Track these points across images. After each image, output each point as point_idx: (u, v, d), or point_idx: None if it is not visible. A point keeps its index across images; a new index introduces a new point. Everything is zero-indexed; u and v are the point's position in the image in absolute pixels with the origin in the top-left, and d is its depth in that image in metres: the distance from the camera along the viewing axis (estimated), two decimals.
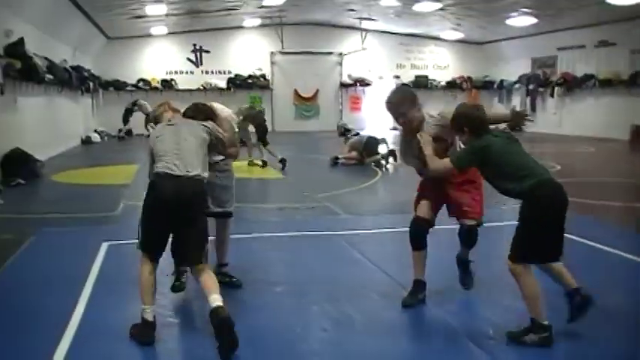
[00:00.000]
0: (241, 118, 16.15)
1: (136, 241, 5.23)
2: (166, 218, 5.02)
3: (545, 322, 4.80)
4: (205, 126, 5.45)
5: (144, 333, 4.95)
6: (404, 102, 5.68)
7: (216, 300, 4.86)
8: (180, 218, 5.03)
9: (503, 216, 9.92)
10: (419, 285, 5.85)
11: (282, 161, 16.08)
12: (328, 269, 6.94)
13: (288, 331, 5.25)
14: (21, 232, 8.51)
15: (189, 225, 5.08)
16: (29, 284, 6.41)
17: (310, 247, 8.07)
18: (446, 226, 6.42)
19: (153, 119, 6.12)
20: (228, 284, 6.18)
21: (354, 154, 17.04)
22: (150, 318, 4.97)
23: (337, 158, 17.02)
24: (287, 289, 6.26)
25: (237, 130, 6.38)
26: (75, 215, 9.82)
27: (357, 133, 22.32)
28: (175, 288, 6.09)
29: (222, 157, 6.11)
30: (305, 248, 8.03)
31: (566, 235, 4.97)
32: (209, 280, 5.09)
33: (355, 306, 5.78)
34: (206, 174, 5.25)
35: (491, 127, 5.23)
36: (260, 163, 16.44)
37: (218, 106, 6.16)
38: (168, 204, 4.97)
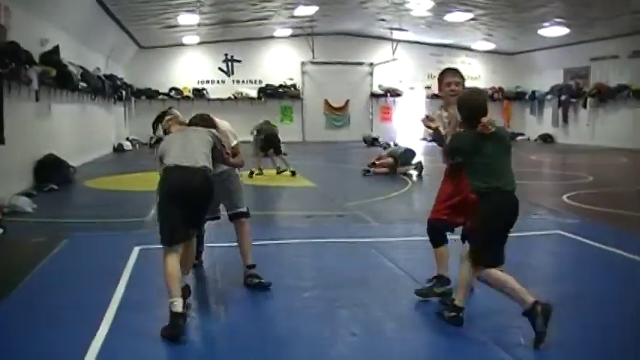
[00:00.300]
0: (256, 132, 16.93)
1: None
2: (182, 204, 5.30)
3: (460, 304, 5.33)
4: (210, 131, 5.85)
5: (175, 325, 5.00)
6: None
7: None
8: (194, 202, 5.40)
9: (533, 225, 9.87)
10: (437, 278, 5.97)
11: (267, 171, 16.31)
12: (357, 275, 6.92)
13: (317, 335, 5.25)
14: (54, 236, 8.61)
15: (201, 209, 5.56)
16: (62, 285, 6.50)
17: (339, 254, 8.06)
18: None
19: (162, 131, 6.28)
20: (257, 286, 6.31)
21: (390, 160, 16.99)
22: (179, 309, 5.07)
23: (368, 171, 16.91)
24: (316, 294, 6.25)
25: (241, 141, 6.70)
26: (107, 220, 9.92)
27: (389, 144, 22.38)
28: None
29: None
30: (334, 255, 8.02)
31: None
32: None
33: (384, 311, 5.77)
34: (211, 168, 5.58)
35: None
36: (289, 172, 16.47)
37: (218, 120, 6.52)
38: (182, 191, 5.29)
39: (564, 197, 12.53)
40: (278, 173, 16.54)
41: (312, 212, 11.02)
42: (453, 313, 5.32)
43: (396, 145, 21.72)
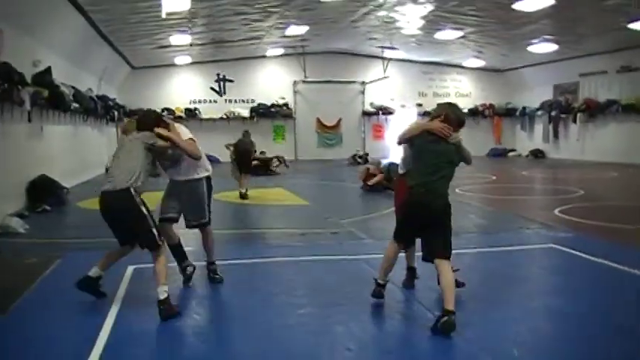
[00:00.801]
0: (232, 148, 16.49)
1: None
2: (111, 224, 6.52)
3: (381, 281, 6.26)
4: (144, 134, 6.51)
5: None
6: None
7: None
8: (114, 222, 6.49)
9: (526, 238, 9.93)
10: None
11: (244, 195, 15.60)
12: (352, 291, 6.93)
13: (313, 351, 5.27)
14: (47, 257, 8.62)
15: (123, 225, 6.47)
16: (57, 304, 6.50)
17: (334, 271, 8.07)
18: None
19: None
20: (215, 280, 7.25)
21: (380, 176, 17.00)
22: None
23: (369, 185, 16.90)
24: (311, 311, 6.27)
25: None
26: (100, 240, 9.87)
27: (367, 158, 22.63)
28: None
29: (200, 176, 7.11)
30: (328, 271, 8.02)
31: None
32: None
33: (379, 327, 5.80)
34: (138, 182, 6.24)
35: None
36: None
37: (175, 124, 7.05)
38: (104, 214, 6.46)
39: (556, 211, 12.59)
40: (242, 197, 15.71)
41: (306, 230, 11.03)
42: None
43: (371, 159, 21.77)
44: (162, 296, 5.97)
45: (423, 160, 6.11)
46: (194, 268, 7.27)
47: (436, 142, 6.03)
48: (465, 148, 6.23)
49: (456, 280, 6.02)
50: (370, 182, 16.84)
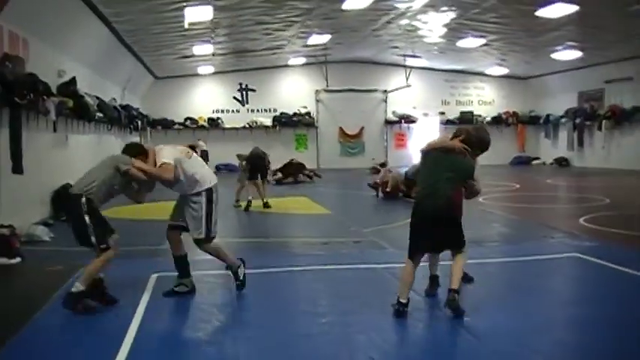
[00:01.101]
0: (245, 162, 16.32)
1: None
2: None
3: (403, 300, 6.21)
4: (118, 157, 7.22)
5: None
6: None
7: None
8: None
9: (551, 247, 9.86)
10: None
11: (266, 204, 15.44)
12: (374, 300, 6.91)
13: None
14: (71, 264, 8.65)
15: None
16: (81, 312, 6.52)
17: (356, 279, 8.06)
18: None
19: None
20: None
21: (391, 176, 17.19)
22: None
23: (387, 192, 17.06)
24: (333, 320, 6.25)
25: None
26: (123, 248, 9.91)
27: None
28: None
29: (195, 190, 7.14)
30: (351, 280, 8.01)
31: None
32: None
33: (402, 336, 5.77)
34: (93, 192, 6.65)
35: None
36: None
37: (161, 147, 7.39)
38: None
39: (581, 220, 12.48)
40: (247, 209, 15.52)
41: (329, 239, 11.02)
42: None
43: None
44: (75, 289, 6.38)
45: (427, 168, 6.69)
46: (187, 290, 7.19)
47: (445, 153, 6.54)
48: (476, 179, 6.65)
49: (465, 274, 6.85)
50: (388, 188, 16.95)
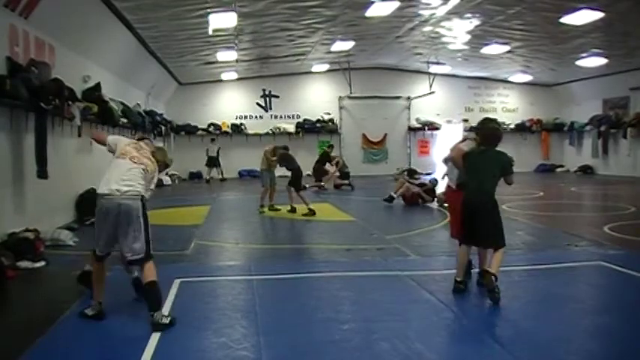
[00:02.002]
0: (274, 158, 16.34)
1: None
2: None
3: (458, 279, 7.42)
4: None
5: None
6: None
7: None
8: None
9: (575, 255, 9.78)
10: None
11: (310, 210, 15.30)
12: (397, 308, 6.89)
13: None
14: None
15: None
16: (107, 315, 6.55)
17: (379, 287, 8.03)
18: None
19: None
20: None
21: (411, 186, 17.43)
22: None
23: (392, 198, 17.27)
24: (356, 327, 6.22)
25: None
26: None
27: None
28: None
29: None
30: (373, 287, 7.98)
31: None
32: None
33: (425, 344, 5.72)
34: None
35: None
36: (282, 208, 16.01)
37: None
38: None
39: (606, 228, 12.37)
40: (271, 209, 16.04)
41: (352, 245, 10.99)
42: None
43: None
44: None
45: (471, 171, 7.57)
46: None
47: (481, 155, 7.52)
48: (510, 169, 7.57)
49: (470, 262, 7.84)
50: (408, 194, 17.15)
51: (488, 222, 7.25)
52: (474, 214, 7.30)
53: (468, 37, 22.72)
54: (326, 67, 30.63)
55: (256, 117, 32.25)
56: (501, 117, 33.72)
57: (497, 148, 7.47)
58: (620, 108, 29.59)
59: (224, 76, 30.09)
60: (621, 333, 5.98)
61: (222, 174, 28.71)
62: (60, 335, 6.02)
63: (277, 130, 31.65)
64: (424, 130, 33.53)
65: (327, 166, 24.25)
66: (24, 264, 9.12)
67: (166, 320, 6.14)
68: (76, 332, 6.12)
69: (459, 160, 7.78)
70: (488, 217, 7.26)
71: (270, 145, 17.12)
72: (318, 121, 32.32)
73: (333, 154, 25.05)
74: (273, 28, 20.39)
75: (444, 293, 7.40)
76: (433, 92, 31.49)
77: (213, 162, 28.74)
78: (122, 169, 6.71)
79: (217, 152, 28.93)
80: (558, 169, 33.85)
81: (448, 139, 32.01)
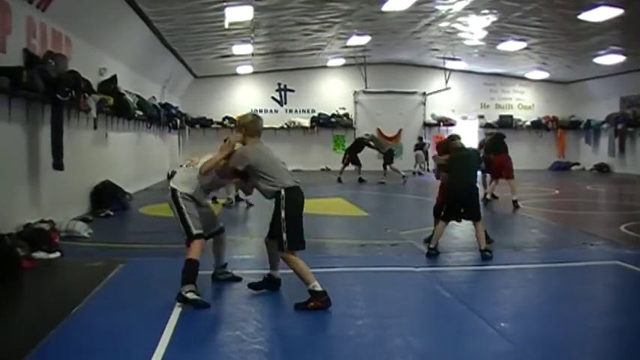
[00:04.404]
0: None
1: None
2: None
3: (432, 246, 9.22)
4: None
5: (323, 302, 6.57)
6: None
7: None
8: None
9: (590, 255, 9.73)
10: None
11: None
12: (411, 304, 6.89)
13: None
14: (110, 261, 8.77)
15: None
16: (120, 307, 6.62)
17: (393, 282, 8.02)
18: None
19: None
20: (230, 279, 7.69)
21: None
22: (319, 289, 6.65)
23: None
24: (370, 322, 6.21)
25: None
26: (162, 246, 10.03)
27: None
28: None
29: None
30: (387, 283, 7.97)
31: None
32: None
33: (440, 340, 5.72)
34: None
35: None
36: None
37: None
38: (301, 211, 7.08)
39: (622, 227, 12.28)
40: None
41: (366, 241, 10.97)
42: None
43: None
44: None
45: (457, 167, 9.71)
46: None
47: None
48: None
49: (487, 234, 9.67)
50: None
51: (476, 203, 9.65)
52: (464, 197, 9.46)
53: (485, 33, 22.63)
54: (342, 61, 30.58)
55: (271, 111, 32.21)
56: (517, 114, 33.79)
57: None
58: (637, 106, 29.31)
59: (239, 70, 30.10)
60: (636, 334, 5.94)
61: None
62: (74, 327, 6.04)
63: (292, 125, 31.65)
64: (439, 126, 33.43)
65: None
66: (39, 255, 9.15)
67: (188, 295, 6.55)
68: (89, 324, 6.13)
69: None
70: (475, 199, 9.65)
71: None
72: (333, 115, 32.31)
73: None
74: (289, 22, 20.39)
75: (459, 289, 7.39)
76: (449, 88, 31.34)
77: None
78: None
79: None
80: (574, 167, 33.67)
81: (463, 135, 31.97)
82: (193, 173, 7.20)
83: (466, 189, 9.48)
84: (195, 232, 6.99)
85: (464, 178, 9.54)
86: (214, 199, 15.39)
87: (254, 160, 6.88)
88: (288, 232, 6.70)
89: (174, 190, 7.15)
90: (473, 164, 9.95)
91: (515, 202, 15.54)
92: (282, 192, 6.74)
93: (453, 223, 9.80)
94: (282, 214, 6.72)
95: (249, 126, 7.33)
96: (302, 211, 6.90)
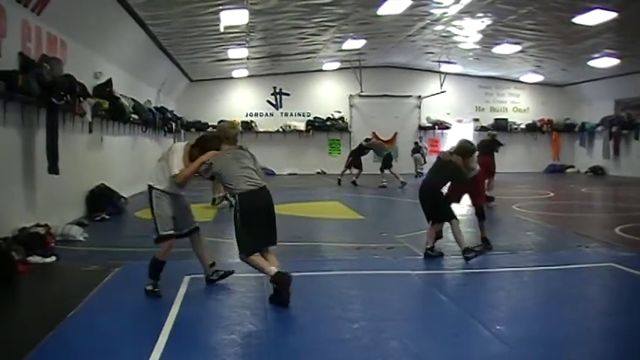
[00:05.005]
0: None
1: None
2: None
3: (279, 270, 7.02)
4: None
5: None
6: None
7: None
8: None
9: (586, 257, 9.75)
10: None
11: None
12: (407, 307, 6.89)
13: None
14: (106, 264, 8.77)
15: None
16: (117, 311, 6.63)
17: (389, 286, 8.03)
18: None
19: None
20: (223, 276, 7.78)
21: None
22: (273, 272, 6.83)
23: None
24: (366, 326, 6.22)
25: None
26: (157, 250, 10.00)
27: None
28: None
29: None
30: (383, 286, 7.99)
31: None
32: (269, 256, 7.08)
33: (436, 343, 5.73)
34: None
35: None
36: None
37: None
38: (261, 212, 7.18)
39: (617, 229, 12.31)
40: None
41: (362, 244, 10.96)
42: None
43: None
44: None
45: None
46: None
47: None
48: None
49: (487, 240, 10.18)
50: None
51: (433, 203, 9.75)
52: (421, 197, 9.90)
53: (480, 36, 22.67)
54: (337, 65, 30.59)
55: (267, 114, 32.25)
56: (512, 117, 33.84)
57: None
58: (632, 109, 29.38)
59: (235, 74, 30.10)
60: (632, 335, 5.95)
61: None
62: (70, 330, 6.03)
63: (287, 128, 31.67)
64: (434, 129, 33.46)
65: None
66: (35, 259, 9.14)
67: (147, 287, 7.14)
68: (86, 328, 6.13)
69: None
70: (432, 200, 9.76)
71: None
72: (329, 119, 32.31)
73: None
74: (285, 25, 20.40)
75: (455, 293, 7.40)
76: (444, 91, 31.37)
77: None
78: None
79: None
80: (568, 170, 33.74)
81: (458, 138, 32.02)
82: (168, 174, 7.43)
83: (422, 189, 9.86)
84: (162, 233, 7.33)
85: (425, 179, 10.23)
86: (214, 202, 15.42)
87: (217, 167, 7.24)
88: (238, 236, 7.07)
89: (150, 188, 7.45)
90: (436, 168, 10.02)
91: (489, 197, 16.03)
92: (237, 197, 7.07)
93: (448, 225, 9.76)
94: (235, 218, 7.07)
95: (223, 133, 7.76)
96: (259, 214, 7.07)
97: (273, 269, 6.78)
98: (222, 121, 14.31)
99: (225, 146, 7.46)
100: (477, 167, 10.36)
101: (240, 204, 6.99)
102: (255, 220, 6.99)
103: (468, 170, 9.88)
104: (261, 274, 7.25)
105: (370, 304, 7.13)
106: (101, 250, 10.31)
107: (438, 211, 9.57)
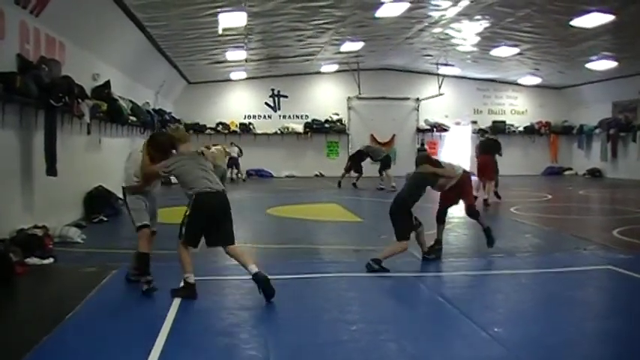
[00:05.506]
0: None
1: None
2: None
3: (192, 282, 7.21)
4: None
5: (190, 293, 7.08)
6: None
7: (254, 268, 7.04)
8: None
9: (583, 259, 9.75)
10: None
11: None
12: (405, 309, 6.90)
13: None
14: (103, 266, 8.78)
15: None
16: (114, 313, 6.63)
17: (387, 288, 8.04)
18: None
19: None
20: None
21: None
22: (192, 281, 7.12)
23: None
24: (363, 327, 6.23)
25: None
26: (154, 252, 9.98)
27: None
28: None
29: None
30: (381, 289, 7.98)
31: None
32: (243, 254, 7.40)
33: (434, 345, 5.73)
34: None
35: None
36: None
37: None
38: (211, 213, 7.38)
39: (615, 232, 12.32)
40: None
41: (360, 246, 10.96)
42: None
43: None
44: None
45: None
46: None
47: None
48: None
49: (492, 239, 10.13)
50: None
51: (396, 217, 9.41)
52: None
53: (478, 39, 22.70)
54: (335, 67, 30.62)
55: (265, 117, 32.28)
56: (510, 119, 33.87)
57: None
58: (629, 111, 29.45)
59: (233, 76, 30.12)
60: (630, 337, 5.96)
61: (237, 175, 28.21)
62: (68, 332, 6.04)
63: (286, 130, 31.70)
64: (432, 131, 33.49)
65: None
66: (32, 260, 9.15)
67: (144, 287, 7.31)
68: (84, 329, 6.13)
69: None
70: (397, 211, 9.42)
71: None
72: (327, 121, 32.34)
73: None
74: (283, 28, 20.41)
75: (452, 295, 7.40)
76: (442, 94, 31.35)
77: (233, 162, 27.97)
78: None
79: (237, 154, 28.18)
80: (566, 172, 33.75)
81: (456, 140, 32.18)
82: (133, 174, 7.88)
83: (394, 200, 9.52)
84: (137, 224, 7.80)
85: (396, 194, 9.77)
86: None
87: (177, 169, 7.57)
88: (186, 226, 7.32)
89: (123, 188, 8.08)
90: (411, 180, 9.81)
91: (485, 200, 16.55)
92: (194, 196, 7.30)
93: (448, 228, 9.76)
94: (187, 212, 7.36)
95: (183, 136, 8.63)
96: (211, 213, 7.34)
97: (192, 278, 7.18)
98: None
99: (182, 148, 7.97)
100: (459, 172, 10.23)
101: (196, 200, 7.28)
102: (207, 219, 7.35)
103: (445, 172, 9.90)
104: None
105: (368, 306, 7.13)
106: (99, 252, 10.31)
107: (395, 225, 9.25)
